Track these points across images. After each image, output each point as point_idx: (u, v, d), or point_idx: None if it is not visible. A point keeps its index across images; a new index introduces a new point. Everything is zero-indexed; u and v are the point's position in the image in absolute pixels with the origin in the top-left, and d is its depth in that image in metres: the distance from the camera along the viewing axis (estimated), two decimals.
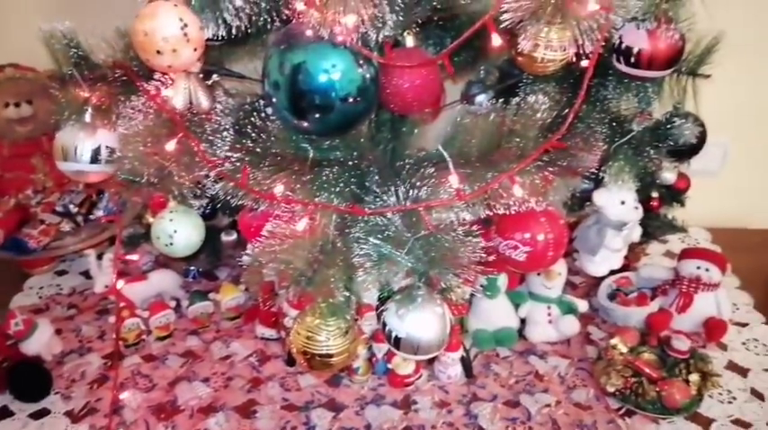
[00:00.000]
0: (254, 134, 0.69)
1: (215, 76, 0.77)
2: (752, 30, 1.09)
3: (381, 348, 0.98)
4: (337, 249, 0.65)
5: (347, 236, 0.65)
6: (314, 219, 0.64)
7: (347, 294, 0.64)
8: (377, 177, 0.69)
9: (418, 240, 0.61)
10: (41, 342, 0.99)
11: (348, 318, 0.68)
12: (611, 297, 1.12)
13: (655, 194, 1.03)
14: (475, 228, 0.65)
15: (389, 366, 0.97)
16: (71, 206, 1.18)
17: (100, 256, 1.14)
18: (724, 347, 1.06)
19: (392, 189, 0.65)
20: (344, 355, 0.69)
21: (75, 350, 1.06)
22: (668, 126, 0.84)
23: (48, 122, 1.17)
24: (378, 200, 0.65)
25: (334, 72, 0.61)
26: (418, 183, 0.64)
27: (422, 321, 0.65)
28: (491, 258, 0.66)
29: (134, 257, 1.07)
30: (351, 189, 0.66)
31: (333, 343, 0.68)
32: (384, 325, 0.68)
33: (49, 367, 1.00)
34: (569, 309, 1.08)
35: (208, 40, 0.63)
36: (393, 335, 0.67)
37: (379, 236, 0.62)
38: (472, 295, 1.01)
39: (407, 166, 0.69)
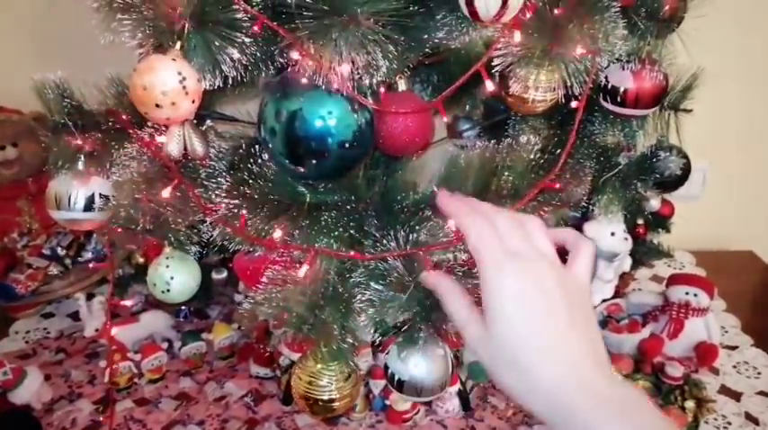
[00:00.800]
0: (250, 179, 0.69)
1: (208, 121, 0.77)
2: (728, 62, 1.13)
3: (378, 384, 0.98)
4: (338, 294, 0.65)
5: (348, 281, 0.66)
6: (314, 265, 0.64)
7: (349, 340, 0.64)
8: (375, 221, 0.69)
9: (419, 283, 0.62)
10: (31, 391, 0.97)
11: (351, 362, 0.68)
12: (603, 324, 1.13)
13: (641, 221, 1.05)
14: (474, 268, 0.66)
15: (387, 402, 0.97)
16: (59, 249, 1.17)
17: (90, 298, 1.13)
18: (716, 371, 1.07)
19: (391, 233, 0.65)
20: (347, 400, 0.69)
21: (65, 396, 1.04)
22: (653, 159, 0.86)
23: (33, 165, 1.16)
24: (377, 244, 0.66)
25: (330, 118, 0.62)
26: (417, 227, 0.65)
27: (425, 364, 0.65)
28: None
29: (127, 303, 1.06)
30: (350, 233, 0.67)
31: (335, 388, 0.68)
32: (386, 368, 0.68)
33: (38, 416, 0.98)
34: None
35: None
36: (396, 378, 0.67)
37: (380, 281, 0.63)
38: None
39: (405, 209, 0.70)
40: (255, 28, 0.58)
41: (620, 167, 0.85)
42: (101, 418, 0.97)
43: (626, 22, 0.68)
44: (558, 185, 0.68)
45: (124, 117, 0.71)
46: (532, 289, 0.43)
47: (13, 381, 0.95)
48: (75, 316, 1.20)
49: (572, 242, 0.50)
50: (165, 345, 1.11)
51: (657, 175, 0.87)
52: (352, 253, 0.64)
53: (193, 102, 0.58)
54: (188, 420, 1.00)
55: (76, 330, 1.18)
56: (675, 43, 0.77)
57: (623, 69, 0.74)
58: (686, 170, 0.89)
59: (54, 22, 1.20)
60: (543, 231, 0.49)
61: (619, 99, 0.75)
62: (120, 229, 0.73)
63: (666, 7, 0.71)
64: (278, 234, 0.66)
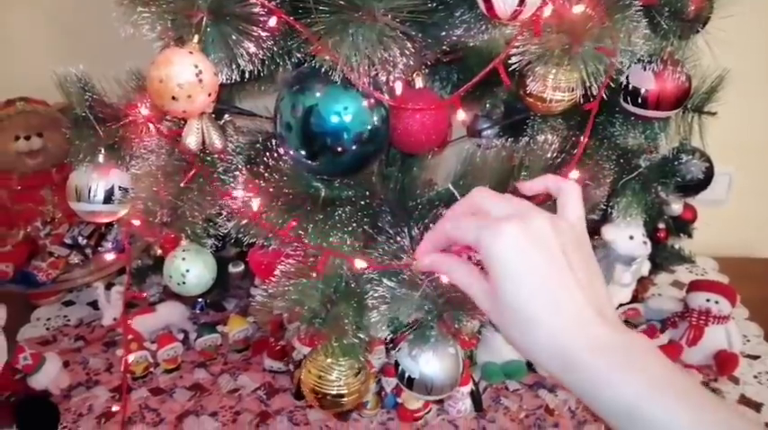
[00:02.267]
0: (265, 173, 0.70)
1: (227, 116, 0.78)
2: (754, 64, 1.11)
3: (391, 382, 0.97)
4: (351, 289, 0.65)
5: (361, 276, 0.65)
6: (326, 262, 0.64)
7: (361, 335, 0.64)
8: (389, 217, 0.69)
9: (432, 281, 0.61)
10: (49, 376, 0.99)
11: (361, 358, 0.68)
12: None
13: (662, 226, 1.03)
14: None
15: (399, 400, 0.97)
16: (80, 238, 1.19)
17: (108, 287, 1.15)
18: (736, 381, 1.05)
19: (405, 230, 0.65)
20: (356, 396, 0.69)
21: (83, 383, 1.06)
22: (675, 162, 0.85)
23: (57, 155, 1.18)
24: (391, 241, 0.65)
25: (345, 114, 0.62)
26: (431, 224, 0.65)
27: (435, 362, 0.65)
28: None
29: (143, 294, 1.07)
30: (363, 229, 0.67)
31: (345, 383, 0.68)
32: (397, 365, 0.68)
33: (56, 401, 1.00)
34: None
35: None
36: (406, 375, 0.67)
37: (393, 278, 0.63)
38: (481, 328, 1.01)
39: (419, 206, 0.69)
40: (272, 22, 0.58)
41: (640, 170, 0.83)
42: (116, 406, 0.98)
43: (648, 21, 0.67)
44: None
45: (144, 110, 0.72)
46: (530, 245, 0.42)
47: (33, 367, 0.97)
48: (94, 304, 1.21)
49: (554, 188, 0.50)
50: (180, 336, 1.13)
51: (679, 179, 0.85)
52: (359, 258, 0.64)
53: (209, 95, 0.58)
54: (201, 411, 1.01)
55: (95, 319, 1.20)
56: (700, 44, 0.75)
57: (645, 70, 0.73)
58: (709, 174, 0.88)
59: (80, 16, 1.22)
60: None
61: (640, 100, 0.74)
62: (138, 222, 0.74)
63: (692, 7, 0.69)
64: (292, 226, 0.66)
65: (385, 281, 0.63)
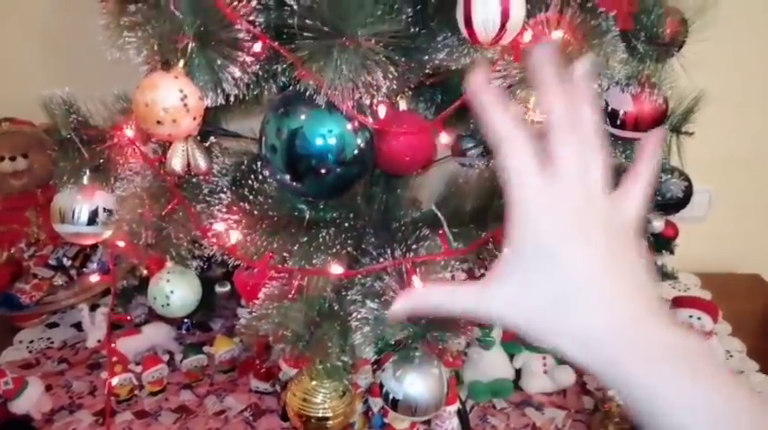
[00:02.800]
0: (250, 196, 0.70)
1: (212, 138, 0.79)
2: (729, 85, 1.14)
3: (377, 402, 0.97)
4: (334, 311, 0.65)
5: (344, 298, 0.66)
6: (309, 282, 0.65)
7: (344, 357, 0.64)
8: (373, 239, 0.70)
9: None
10: (31, 401, 0.98)
11: (345, 380, 0.68)
12: None
13: (644, 243, 1.04)
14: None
15: (386, 420, 0.96)
16: (64, 259, 1.18)
17: (93, 308, 1.14)
18: None
19: (388, 251, 0.66)
20: (341, 418, 0.69)
21: (66, 407, 1.04)
22: (655, 181, 0.86)
23: (42, 176, 1.18)
24: (374, 262, 0.66)
25: (330, 137, 0.63)
26: (414, 246, 0.65)
27: (419, 383, 0.65)
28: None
29: (127, 316, 1.06)
30: (347, 250, 0.67)
31: (330, 405, 0.68)
32: (381, 386, 0.68)
33: (38, 426, 0.98)
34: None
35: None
36: (391, 396, 0.67)
37: (376, 299, 0.63)
38: (467, 347, 1.02)
39: (403, 227, 0.70)
40: (257, 48, 0.59)
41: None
42: None
43: (626, 45, 0.68)
44: None
45: (129, 133, 0.73)
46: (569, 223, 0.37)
47: (14, 391, 0.96)
48: (78, 326, 1.20)
49: (639, 155, 0.44)
50: (166, 358, 1.12)
51: (659, 198, 0.87)
52: (337, 272, 0.64)
53: (195, 119, 0.59)
54: None
55: (80, 340, 1.19)
56: (676, 67, 0.77)
57: (623, 92, 0.74)
58: (688, 192, 0.89)
59: (67, 38, 1.22)
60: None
61: (619, 122, 0.76)
62: (122, 243, 0.74)
63: (667, 31, 0.71)
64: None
65: (368, 302, 0.63)
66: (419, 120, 0.72)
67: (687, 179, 0.89)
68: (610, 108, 0.76)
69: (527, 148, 0.38)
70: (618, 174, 0.86)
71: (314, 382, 0.68)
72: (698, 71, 0.77)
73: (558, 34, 0.62)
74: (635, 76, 0.73)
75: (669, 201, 0.88)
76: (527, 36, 0.61)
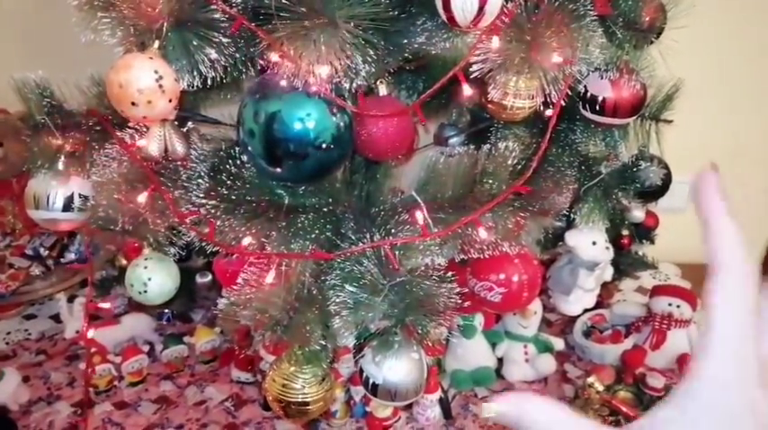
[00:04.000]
0: (228, 181, 0.69)
1: (190, 123, 0.78)
2: (708, 74, 1.15)
3: (359, 391, 0.97)
4: (313, 296, 0.65)
5: (323, 283, 0.65)
6: (288, 267, 0.64)
7: (323, 342, 0.64)
8: (352, 224, 0.69)
9: (394, 287, 0.61)
10: (7, 392, 0.97)
11: (324, 365, 0.68)
12: (587, 334, 1.13)
13: (625, 232, 1.05)
14: (449, 272, 0.66)
15: (368, 409, 0.96)
16: (41, 249, 1.16)
17: (71, 299, 1.12)
18: None
19: (367, 236, 0.65)
20: (321, 403, 0.69)
21: (44, 398, 1.03)
22: (634, 169, 0.87)
23: (18, 165, 1.15)
24: (353, 246, 0.66)
25: (308, 121, 0.62)
26: (393, 230, 0.65)
27: (398, 367, 0.65)
28: (466, 303, 0.67)
29: (106, 305, 1.05)
30: (326, 235, 0.67)
31: (309, 391, 0.68)
32: (361, 371, 0.68)
33: (15, 417, 0.97)
34: (546, 348, 1.09)
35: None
36: (370, 381, 0.66)
37: (354, 283, 0.63)
38: (449, 335, 1.02)
39: (382, 212, 0.70)
40: (233, 29, 0.59)
41: (601, 176, 0.85)
42: (78, 421, 0.96)
43: (604, 30, 0.68)
44: (528, 189, 0.68)
45: (104, 117, 0.72)
46: None
47: None
48: (56, 317, 1.19)
49: None
50: (146, 348, 1.11)
51: (638, 185, 0.87)
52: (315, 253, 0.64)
53: (170, 101, 0.58)
54: (167, 424, 0.99)
55: (58, 332, 1.17)
56: (654, 54, 0.77)
57: (602, 78, 0.75)
58: (667, 180, 0.90)
59: (41, 22, 1.20)
60: None
61: (597, 107, 0.76)
62: (98, 230, 0.73)
63: (646, 18, 0.71)
64: (247, 240, 0.66)
65: (347, 286, 0.63)
66: (398, 105, 0.71)
67: (666, 167, 0.90)
68: (589, 94, 0.76)
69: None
70: (598, 162, 0.87)
71: (293, 368, 0.68)
72: (677, 59, 0.78)
73: (536, 18, 0.61)
74: (614, 62, 0.73)
75: (648, 189, 0.88)
76: (506, 20, 0.61)
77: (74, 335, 1.09)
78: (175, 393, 1.05)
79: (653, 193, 0.90)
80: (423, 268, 0.65)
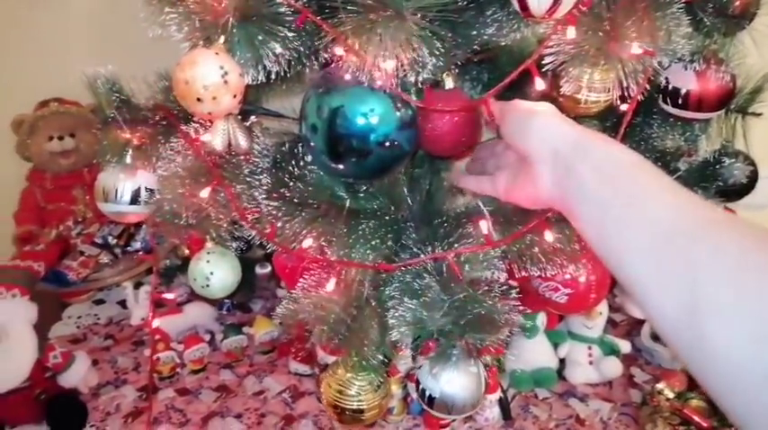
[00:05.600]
0: (290, 182, 0.69)
1: (253, 117, 0.77)
2: None
3: None
4: (371, 306, 0.63)
5: (382, 293, 0.64)
6: (347, 275, 0.63)
7: (380, 356, 0.63)
8: (414, 234, 0.67)
9: (454, 303, 0.59)
10: (78, 375, 1.01)
11: (380, 373, 0.67)
12: (656, 337, 1.08)
13: None
14: (512, 281, 0.63)
15: (425, 407, 0.95)
16: (110, 238, 1.20)
17: (137, 286, 1.15)
18: None
19: (429, 248, 0.63)
20: (375, 411, 0.68)
21: (111, 382, 1.07)
22: (717, 165, 0.81)
23: (89, 155, 1.20)
24: (414, 257, 0.64)
25: (372, 116, 0.61)
26: (456, 244, 0.63)
27: (456, 381, 0.63)
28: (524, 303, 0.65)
29: (170, 296, 1.07)
30: (387, 245, 0.65)
31: (364, 398, 0.67)
32: (417, 383, 0.66)
33: (85, 399, 1.01)
34: (611, 350, 1.05)
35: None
36: (427, 394, 0.64)
37: (414, 298, 0.61)
38: (510, 335, 0.99)
39: (445, 224, 0.67)
40: (298, 22, 0.57)
41: (679, 173, 0.79)
42: (143, 406, 0.98)
43: (691, 18, 0.63)
44: None
45: (171, 112, 0.72)
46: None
47: (63, 365, 0.98)
48: (124, 303, 1.23)
49: None
50: (207, 337, 1.13)
51: (721, 183, 0.81)
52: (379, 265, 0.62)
53: (235, 96, 0.58)
54: (226, 412, 1.01)
55: (125, 317, 1.22)
56: (745, 41, 0.71)
57: (686, 69, 0.69)
58: (753, 178, 0.83)
59: (111, 18, 1.23)
60: None
61: (680, 101, 0.70)
62: (163, 223, 0.74)
63: (737, 3, 0.66)
64: (308, 242, 0.65)
65: (406, 300, 0.61)
66: (464, 99, 0.68)
67: (752, 163, 0.83)
68: (671, 86, 0.71)
69: None
70: (676, 158, 0.81)
71: (349, 375, 0.67)
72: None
73: (616, 7, 0.57)
74: (700, 52, 0.68)
75: (731, 187, 0.82)
76: (583, 9, 0.57)
77: (139, 322, 1.12)
78: (235, 382, 1.07)
79: (737, 191, 0.84)
80: (484, 282, 0.63)
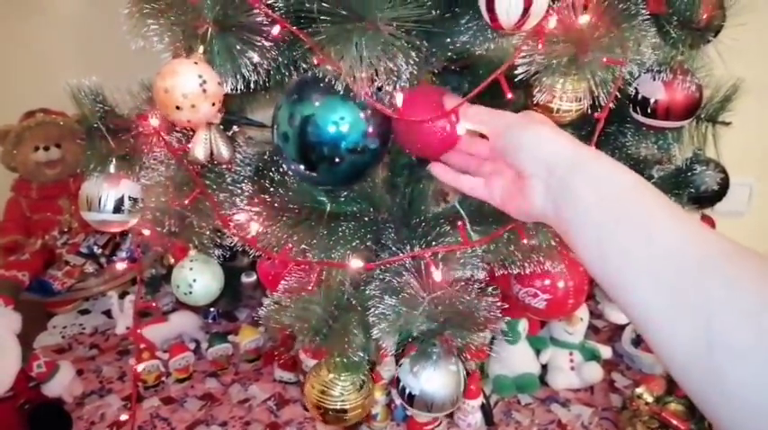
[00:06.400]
0: (271, 187, 0.70)
1: (235, 127, 0.79)
2: None
3: None
4: (353, 306, 0.65)
5: (363, 292, 0.65)
6: (328, 276, 0.64)
7: (361, 354, 0.64)
8: (393, 234, 0.68)
9: (433, 300, 0.60)
10: (63, 384, 1.01)
11: (363, 373, 0.68)
12: (636, 343, 1.09)
13: None
14: (491, 283, 0.65)
15: (408, 413, 0.96)
16: (95, 247, 1.20)
17: (122, 296, 1.16)
18: None
19: (407, 247, 0.65)
20: (359, 411, 0.68)
21: (96, 391, 1.07)
22: (689, 173, 0.83)
23: (75, 165, 1.21)
24: (393, 256, 0.65)
25: (342, 124, 0.62)
26: (434, 243, 0.64)
27: (436, 379, 0.64)
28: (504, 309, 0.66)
29: (153, 304, 1.08)
30: (366, 245, 0.66)
31: (347, 398, 0.67)
32: (398, 380, 0.67)
33: (69, 409, 1.01)
34: (592, 355, 1.06)
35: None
36: (407, 391, 0.66)
37: (394, 295, 0.62)
38: (493, 340, 1.00)
39: (423, 224, 0.69)
40: (275, 32, 0.59)
41: (653, 181, 0.81)
42: (127, 415, 0.98)
43: (657, 30, 0.65)
44: None
45: (153, 122, 0.73)
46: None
47: (46, 374, 0.98)
48: (109, 313, 1.23)
49: None
50: (192, 346, 1.13)
51: (692, 190, 0.83)
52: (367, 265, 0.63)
53: (214, 104, 0.59)
54: (211, 421, 1.01)
55: (110, 327, 1.22)
56: (711, 53, 0.73)
57: (654, 80, 0.71)
58: (724, 185, 0.86)
59: (95, 30, 1.24)
60: None
61: (649, 110, 0.72)
62: (147, 231, 0.75)
63: (703, 16, 0.68)
64: (289, 246, 0.66)
65: (386, 298, 0.62)
66: (439, 103, 0.69)
67: (723, 171, 0.86)
68: (640, 96, 0.73)
69: None
70: (650, 165, 0.83)
71: (331, 375, 0.68)
72: (736, 58, 0.74)
73: (584, 19, 0.59)
74: (667, 63, 0.70)
75: (703, 194, 0.84)
76: (552, 21, 0.59)
77: (124, 331, 1.13)
78: (220, 391, 1.08)
79: (709, 198, 0.86)
80: (463, 281, 0.64)
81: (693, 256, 0.37)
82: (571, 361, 1.05)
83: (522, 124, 0.52)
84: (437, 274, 0.61)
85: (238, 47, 0.59)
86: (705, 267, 0.36)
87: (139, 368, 1.03)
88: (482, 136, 0.60)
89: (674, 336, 0.36)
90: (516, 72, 0.62)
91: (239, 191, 0.73)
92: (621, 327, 1.13)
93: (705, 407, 0.35)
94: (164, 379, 1.08)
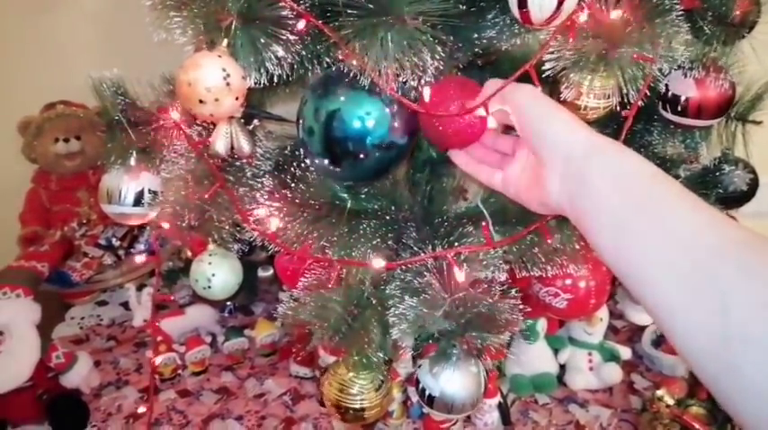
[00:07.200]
0: (292, 183, 0.69)
1: (256, 121, 0.78)
2: None
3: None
4: (372, 305, 0.64)
5: (383, 292, 0.64)
6: (348, 274, 0.63)
7: (380, 354, 0.63)
8: (414, 233, 0.68)
9: (454, 301, 0.60)
10: (81, 375, 1.01)
11: (382, 372, 0.67)
12: (656, 343, 1.08)
13: None
14: (513, 284, 0.64)
15: (425, 410, 0.95)
16: (113, 239, 1.21)
17: (140, 288, 1.16)
18: None
19: (429, 247, 0.64)
20: (377, 409, 0.68)
21: (113, 382, 1.08)
22: (717, 172, 0.81)
23: (94, 157, 1.21)
24: (415, 256, 0.64)
25: (368, 119, 0.61)
26: (456, 243, 0.63)
27: (456, 380, 0.63)
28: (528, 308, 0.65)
29: (171, 297, 1.08)
30: (387, 244, 0.65)
31: (366, 397, 0.67)
32: (417, 382, 0.67)
33: (86, 400, 1.02)
34: (611, 356, 1.05)
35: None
36: (427, 393, 0.65)
37: (414, 296, 0.61)
38: (511, 340, 0.99)
39: (445, 223, 0.68)
40: (300, 26, 0.58)
41: (680, 180, 0.80)
42: (143, 407, 0.99)
43: (690, 26, 0.64)
44: None
45: (174, 115, 0.73)
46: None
47: (65, 365, 0.99)
48: (127, 305, 1.23)
49: None
50: (209, 339, 1.13)
51: (720, 190, 0.81)
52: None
53: (237, 98, 0.58)
54: (227, 414, 1.01)
55: (127, 319, 1.22)
56: (745, 49, 0.71)
57: (685, 77, 0.69)
58: (753, 185, 0.84)
59: (117, 22, 1.24)
60: None
61: (680, 108, 0.71)
62: (166, 225, 0.75)
63: (737, 11, 0.66)
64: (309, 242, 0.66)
65: (407, 298, 0.61)
66: (470, 88, 0.68)
67: (753, 171, 0.84)
68: (670, 93, 0.71)
69: None
70: (676, 165, 0.82)
71: (350, 374, 0.67)
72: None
73: (616, 13, 0.58)
74: (699, 60, 0.68)
75: (732, 194, 0.82)
76: (583, 16, 0.57)
77: (141, 323, 1.13)
78: (236, 384, 1.08)
79: (737, 199, 0.84)
80: (485, 282, 0.63)
81: (710, 244, 0.36)
82: (590, 361, 1.04)
83: (546, 115, 0.52)
84: (460, 275, 0.60)
85: (262, 40, 0.58)
86: (722, 254, 0.36)
87: (157, 361, 1.03)
88: (508, 128, 0.59)
89: (689, 325, 0.36)
90: (543, 68, 0.61)
91: (259, 185, 0.72)
92: (641, 328, 1.11)
93: (720, 396, 0.35)
94: (180, 372, 1.08)
